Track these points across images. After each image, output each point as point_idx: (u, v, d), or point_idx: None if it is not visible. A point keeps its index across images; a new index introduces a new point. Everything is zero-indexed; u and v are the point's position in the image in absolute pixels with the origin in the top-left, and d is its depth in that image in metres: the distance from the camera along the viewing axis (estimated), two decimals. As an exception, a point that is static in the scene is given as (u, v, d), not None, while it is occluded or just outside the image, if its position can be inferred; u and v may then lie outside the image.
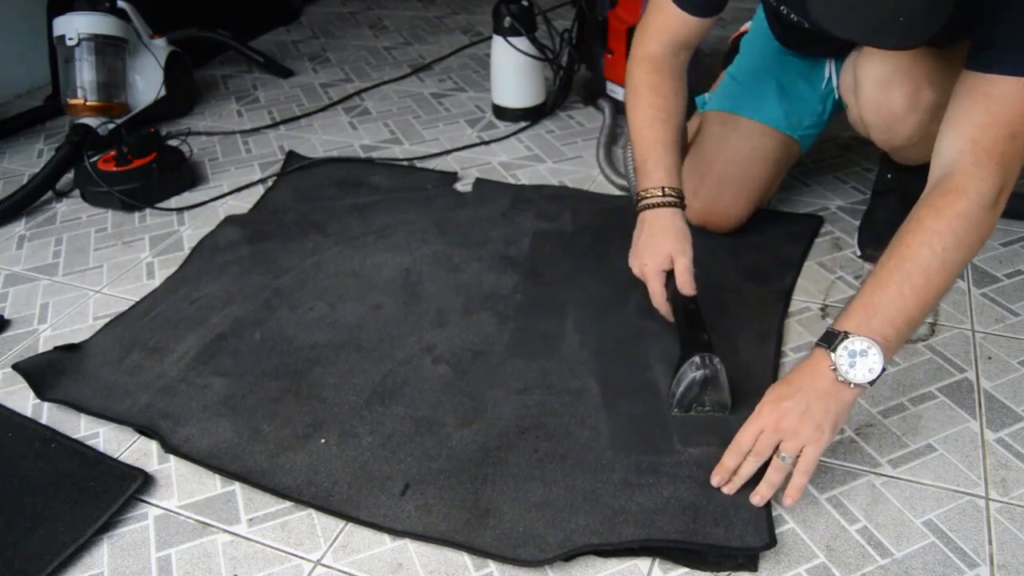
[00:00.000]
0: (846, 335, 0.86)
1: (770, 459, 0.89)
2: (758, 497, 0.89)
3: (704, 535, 0.88)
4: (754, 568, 0.86)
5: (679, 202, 1.13)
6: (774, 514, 0.91)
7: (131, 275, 1.45)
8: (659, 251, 1.11)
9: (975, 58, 0.88)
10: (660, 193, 1.12)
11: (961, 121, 0.89)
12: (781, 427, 0.87)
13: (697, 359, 1.01)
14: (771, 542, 0.87)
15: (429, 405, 1.09)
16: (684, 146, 1.26)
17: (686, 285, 1.10)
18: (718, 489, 0.93)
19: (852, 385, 0.86)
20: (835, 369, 0.86)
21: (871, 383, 0.86)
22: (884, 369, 0.85)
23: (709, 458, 0.96)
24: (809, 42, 1.26)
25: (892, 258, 0.88)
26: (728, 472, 0.92)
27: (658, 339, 1.17)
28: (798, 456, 0.87)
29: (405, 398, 1.10)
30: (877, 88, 1.09)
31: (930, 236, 0.86)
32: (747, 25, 1.53)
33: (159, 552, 0.93)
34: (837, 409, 0.87)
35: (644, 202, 1.13)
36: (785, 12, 1.16)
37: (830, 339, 0.88)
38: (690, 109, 1.33)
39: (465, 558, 0.90)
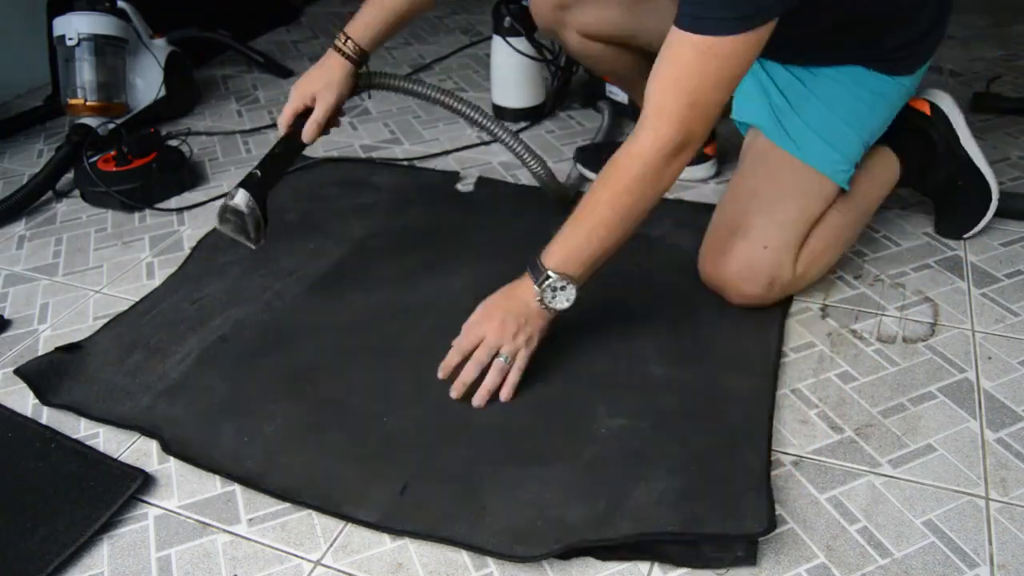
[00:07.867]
0: (548, 275, 1.03)
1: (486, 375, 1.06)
2: (479, 399, 1.06)
3: (701, 525, 0.88)
4: (753, 562, 0.86)
5: (352, 56, 1.24)
6: (775, 514, 0.91)
7: (131, 275, 1.45)
8: (310, 87, 1.24)
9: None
10: (342, 40, 1.24)
11: (656, 77, 1.00)
12: (502, 336, 1.05)
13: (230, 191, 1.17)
14: (770, 527, 0.87)
15: (428, 406, 1.09)
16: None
17: (307, 132, 1.24)
18: (714, 481, 0.94)
19: (551, 311, 1.06)
20: (540, 300, 1.05)
21: (566, 310, 1.06)
22: (579, 297, 1.05)
23: (701, 449, 0.98)
24: None
25: (585, 207, 1.04)
26: (450, 369, 1.08)
27: (658, 338, 1.17)
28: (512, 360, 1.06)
29: (404, 399, 1.10)
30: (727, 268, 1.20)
31: (610, 196, 1.02)
32: None
33: (159, 552, 0.93)
34: (542, 324, 1.08)
35: (335, 42, 1.24)
36: None
37: (536, 274, 1.05)
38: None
39: (465, 557, 0.90)
